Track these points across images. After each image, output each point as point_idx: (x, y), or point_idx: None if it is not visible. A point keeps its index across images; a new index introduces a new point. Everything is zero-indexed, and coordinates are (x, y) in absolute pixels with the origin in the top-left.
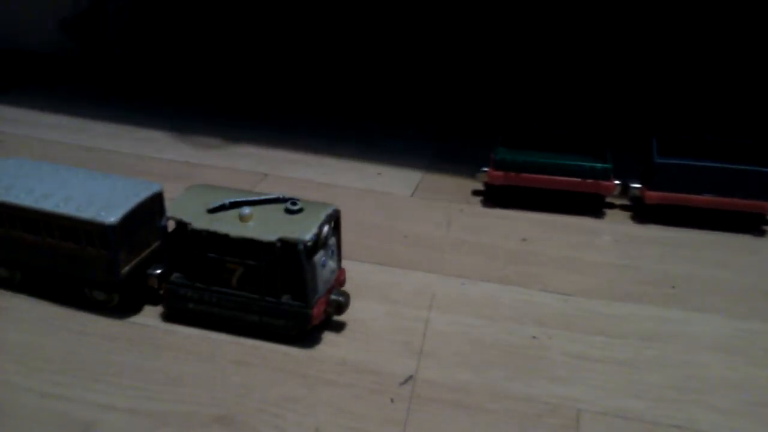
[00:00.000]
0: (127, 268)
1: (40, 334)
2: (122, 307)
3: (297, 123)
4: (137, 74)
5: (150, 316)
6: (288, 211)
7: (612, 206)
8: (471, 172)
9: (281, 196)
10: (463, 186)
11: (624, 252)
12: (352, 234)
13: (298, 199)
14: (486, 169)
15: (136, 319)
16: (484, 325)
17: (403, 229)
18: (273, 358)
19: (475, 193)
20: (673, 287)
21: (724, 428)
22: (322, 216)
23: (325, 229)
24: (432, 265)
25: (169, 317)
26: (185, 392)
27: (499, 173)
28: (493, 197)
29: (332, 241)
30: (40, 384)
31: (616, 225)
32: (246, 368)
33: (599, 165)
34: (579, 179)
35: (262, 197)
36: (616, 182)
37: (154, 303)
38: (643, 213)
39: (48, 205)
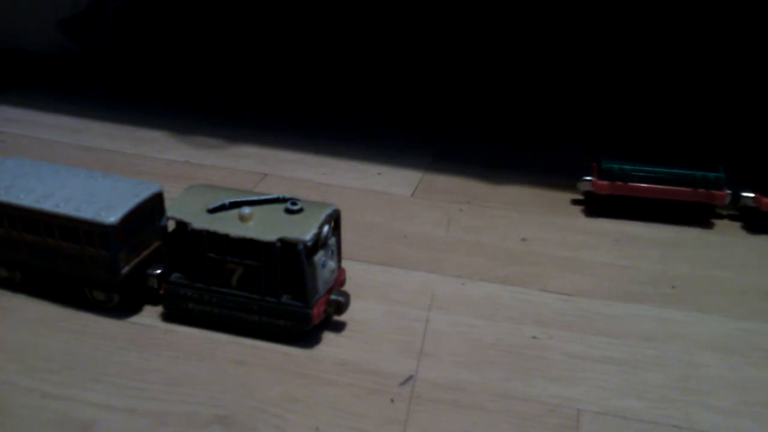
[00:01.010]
0: (127, 268)
1: (40, 334)
2: (122, 307)
3: (297, 123)
4: (137, 74)
5: (150, 316)
6: (288, 211)
7: (720, 216)
8: (471, 172)
9: (281, 196)
10: (464, 186)
11: (624, 252)
12: (352, 234)
13: (298, 199)
14: (589, 178)
15: (136, 319)
16: (484, 325)
17: (403, 229)
18: (273, 358)
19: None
20: (673, 287)
21: (724, 428)
22: (322, 216)
23: (325, 229)
24: (432, 265)
25: (169, 317)
26: (185, 392)
27: (605, 182)
28: (595, 206)
29: (332, 241)
30: (40, 384)
31: (616, 225)
32: (246, 368)
33: (712, 174)
34: (690, 189)
35: (262, 197)
36: (728, 191)
37: (154, 303)
38: (755, 223)
39: (48, 205)
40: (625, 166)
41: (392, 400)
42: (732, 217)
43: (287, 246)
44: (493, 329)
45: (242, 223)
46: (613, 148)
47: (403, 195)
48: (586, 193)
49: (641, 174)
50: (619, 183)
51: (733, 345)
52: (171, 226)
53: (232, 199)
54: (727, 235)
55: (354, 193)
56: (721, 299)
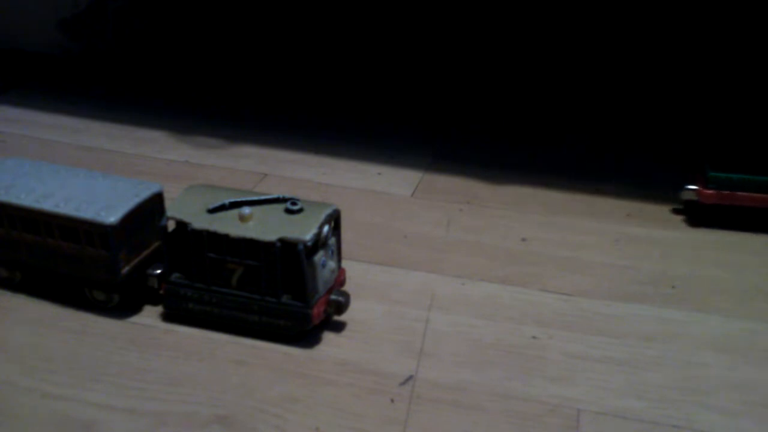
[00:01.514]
0: (127, 268)
1: (40, 334)
2: (122, 307)
3: (297, 123)
4: (137, 74)
5: (150, 316)
6: (288, 211)
7: None
8: (471, 172)
9: (281, 196)
10: (464, 186)
11: (624, 252)
12: (352, 234)
13: (298, 199)
14: (692, 187)
15: (136, 319)
16: (484, 325)
17: (403, 229)
18: (273, 358)
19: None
20: (673, 287)
21: (724, 428)
22: (322, 216)
23: (325, 229)
24: (432, 265)
25: (169, 317)
26: (185, 392)
27: (711, 191)
28: (699, 216)
29: (332, 241)
30: (40, 384)
31: (616, 225)
32: (246, 368)
33: None
34: None
35: (262, 197)
36: None
37: (154, 303)
38: None
39: (48, 205)
40: (733, 175)
41: (392, 400)
42: None
43: (287, 246)
44: (493, 329)
45: (242, 223)
46: (716, 157)
47: (403, 195)
48: (687, 202)
49: (751, 183)
50: (727, 192)
51: (733, 345)
52: (171, 226)
53: (232, 199)
54: (726, 236)
55: (354, 193)
56: (721, 299)
